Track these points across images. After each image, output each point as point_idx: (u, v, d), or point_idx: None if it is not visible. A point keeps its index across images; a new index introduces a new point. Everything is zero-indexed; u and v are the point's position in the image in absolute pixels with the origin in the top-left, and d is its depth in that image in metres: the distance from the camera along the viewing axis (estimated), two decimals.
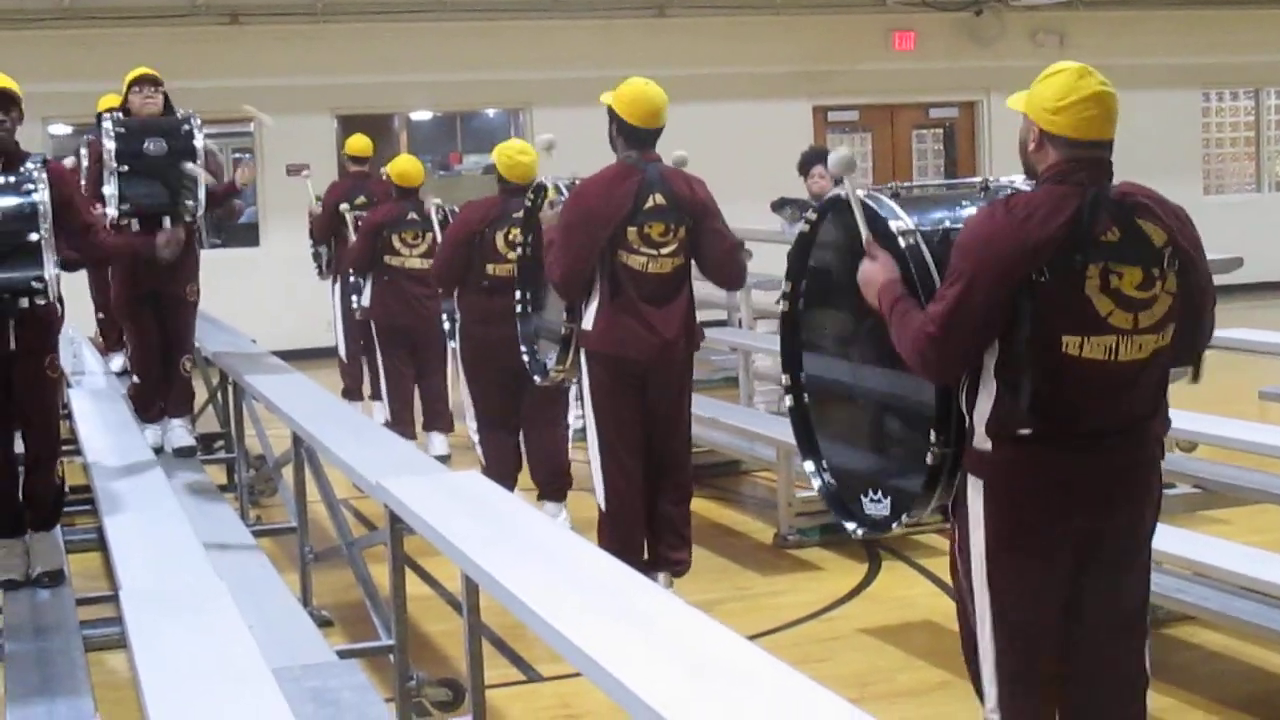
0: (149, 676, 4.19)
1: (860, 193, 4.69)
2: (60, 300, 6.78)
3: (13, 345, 6.77)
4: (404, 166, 11.15)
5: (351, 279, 11.72)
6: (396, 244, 10.78)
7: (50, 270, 6.55)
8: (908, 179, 19.41)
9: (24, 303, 6.63)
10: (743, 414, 9.96)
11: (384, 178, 11.67)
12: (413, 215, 10.83)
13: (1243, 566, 5.86)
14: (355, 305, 11.61)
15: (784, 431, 8.14)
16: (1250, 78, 21.62)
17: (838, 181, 4.73)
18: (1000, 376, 4.20)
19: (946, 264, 4.31)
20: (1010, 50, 19.61)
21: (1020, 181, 4.63)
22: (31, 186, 6.56)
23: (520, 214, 8.33)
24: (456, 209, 9.85)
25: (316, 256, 13.27)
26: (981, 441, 4.26)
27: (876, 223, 4.60)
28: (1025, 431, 4.18)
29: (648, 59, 16.53)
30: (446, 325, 9.54)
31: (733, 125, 18.22)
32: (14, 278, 6.56)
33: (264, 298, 16.50)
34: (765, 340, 10.88)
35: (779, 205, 12.03)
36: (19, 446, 7.12)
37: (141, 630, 4.61)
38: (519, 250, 8.21)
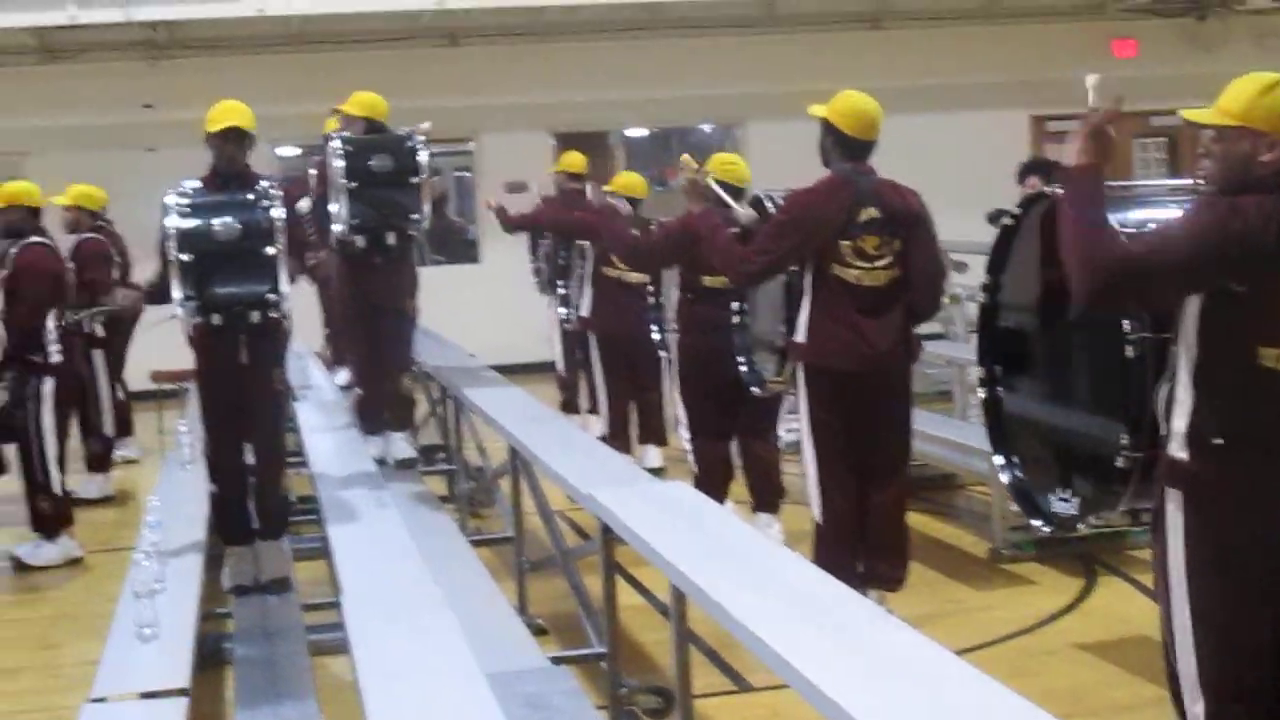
0: (369, 678, 4.33)
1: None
2: (287, 315, 6.99)
3: (244, 359, 7.03)
4: (627, 180, 11.30)
5: (567, 291, 11.89)
6: (614, 257, 10.88)
7: (284, 284, 6.77)
8: None
9: (255, 316, 6.88)
10: (957, 427, 9.91)
11: (603, 194, 11.79)
12: (633, 231, 10.91)
13: None
14: (564, 318, 11.78)
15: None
16: None
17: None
18: (1198, 385, 4.15)
19: None
20: (1236, 56, 19.05)
21: None
22: (269, 203, 6.82)
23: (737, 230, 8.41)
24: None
25: (537, 271, 13.48)
26: (1179, 450, 4.20)
27: None
28: (1221, 442, 4.12)
29: (861, 71, 16.43)
30: (657, 335, 9.59)
31: (948, 136, 18.08)
32: (249, 291, 6.81)
33: (484, 312, 16.74)
34: (967, 350, 10.81)
35: (995, 217, 11.91)
36: (249, 459, 7.38)
37: (362, 634, 4.76)
38: None
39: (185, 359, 13.29)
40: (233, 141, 7.05)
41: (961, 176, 16.52)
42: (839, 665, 3.65)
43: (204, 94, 16.06)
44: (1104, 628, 7.34)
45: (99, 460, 11.68)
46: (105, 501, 11.55)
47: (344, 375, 10.81)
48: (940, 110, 18.29)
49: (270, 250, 6.79)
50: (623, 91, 18.24)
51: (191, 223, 6.79)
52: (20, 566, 9.53)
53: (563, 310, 11.84)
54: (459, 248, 18.30)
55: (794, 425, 8.99)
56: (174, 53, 17.10)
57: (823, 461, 7.11)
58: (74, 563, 9.65)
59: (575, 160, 12.99)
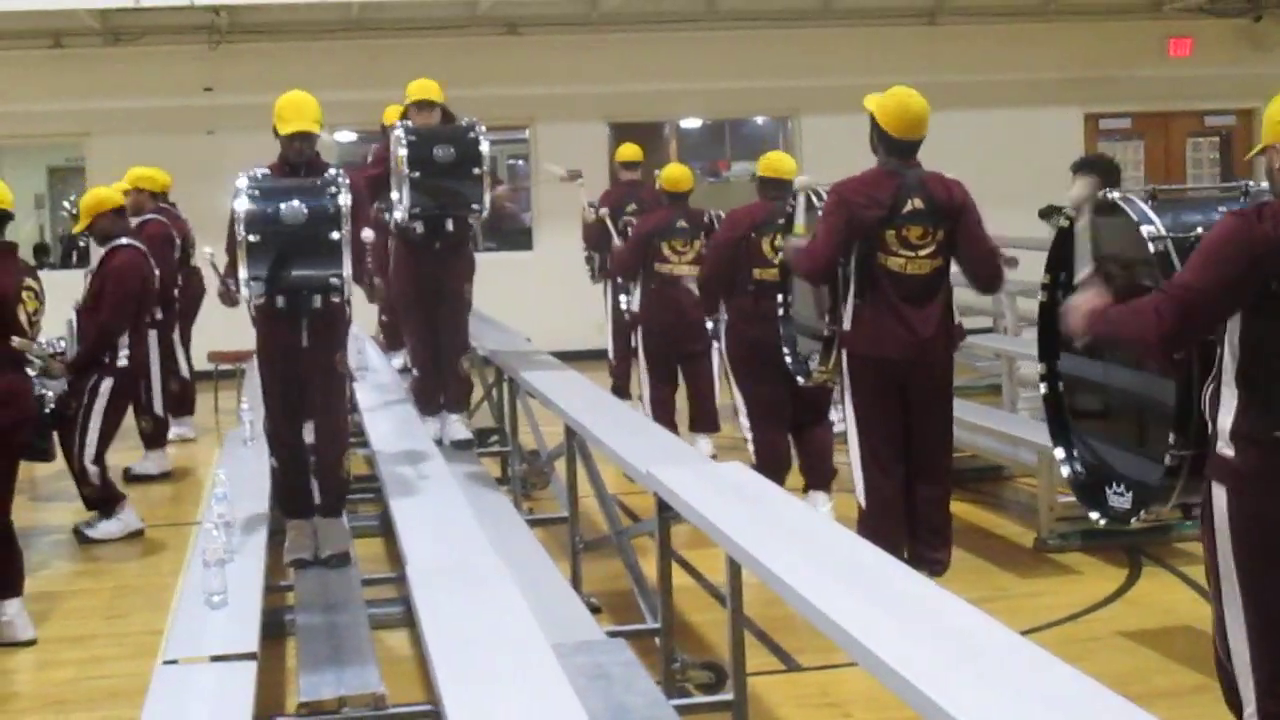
0: (436, 644, 4.45)
1: (1116, 195, 4.80)
2: (348, 300, 7.13)
3: (305, 341, 7.15)
4: (674, 173, 11.30)
5: (620, 282, 12.00)
6: (665, 251, 10.93)
7: (347, 269, 6.90)
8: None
9: (316, 300, 7.01)
10: (1006, 419, 9.98)
11: (656, 185, 11.89)
12: (682, 223, 10.98)
13: None
14: (625, 309, 11.89)
15: (1047, 437, 8.21)
16: None
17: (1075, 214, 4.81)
18: (1242, 384, 4.26)
19: None
20: None
21: None
22: (335, 190, 6.92)
23: (779, 218, 8.54)
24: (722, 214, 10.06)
25: (589, 260, 13.58)
26: (1224, 447, 4.32)
27: (1128, 227, 4.71)
28: (1268, 438, 4.23)
29: (917, 66, 16.62)
30: (710, 326, 9.70)
31: (1002, 132, 18.15)
32: (314, 274, 6.92)
33: (537, 299, 16.81)
34: (1030, 346, 10.88)
35: (1047, 213, 12.02)
36: (309, 437, 7.53)
37: (428, 603, 4.90)
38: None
39: (242, 341, 13.57)
40: (300, 139, 7.18)
41: (1015, 173, 16.62)
42: (897, 637, 3.75)
43: (264, 79, 16.38)
44: (1148, 617, 7.42)
45: (153, 438, 11.85)
46: (163, 478, 11.76)
47: (399, 359, 10.98)
48: (994, 106, 18.34)
49: (335, 235, 6.86)
50: (677, 82, 18.34)
51: (260, 206, 6.92)
52: (83, 539, 9.75)
53: (624, 298, 11.93)
54: (513, 235, 18.43)
55: (841, 415, 9.15)
56: (234, 37, 17.26)
57: (867, 446, 7.26)
58: (134, 536, 9.86)
59: (630, 151, 13.13)
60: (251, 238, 6.86)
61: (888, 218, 7.04)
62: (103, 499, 9.78)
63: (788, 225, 8.20)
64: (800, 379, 8.16)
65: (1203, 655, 6.50)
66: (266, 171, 7.14)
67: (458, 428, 9.20)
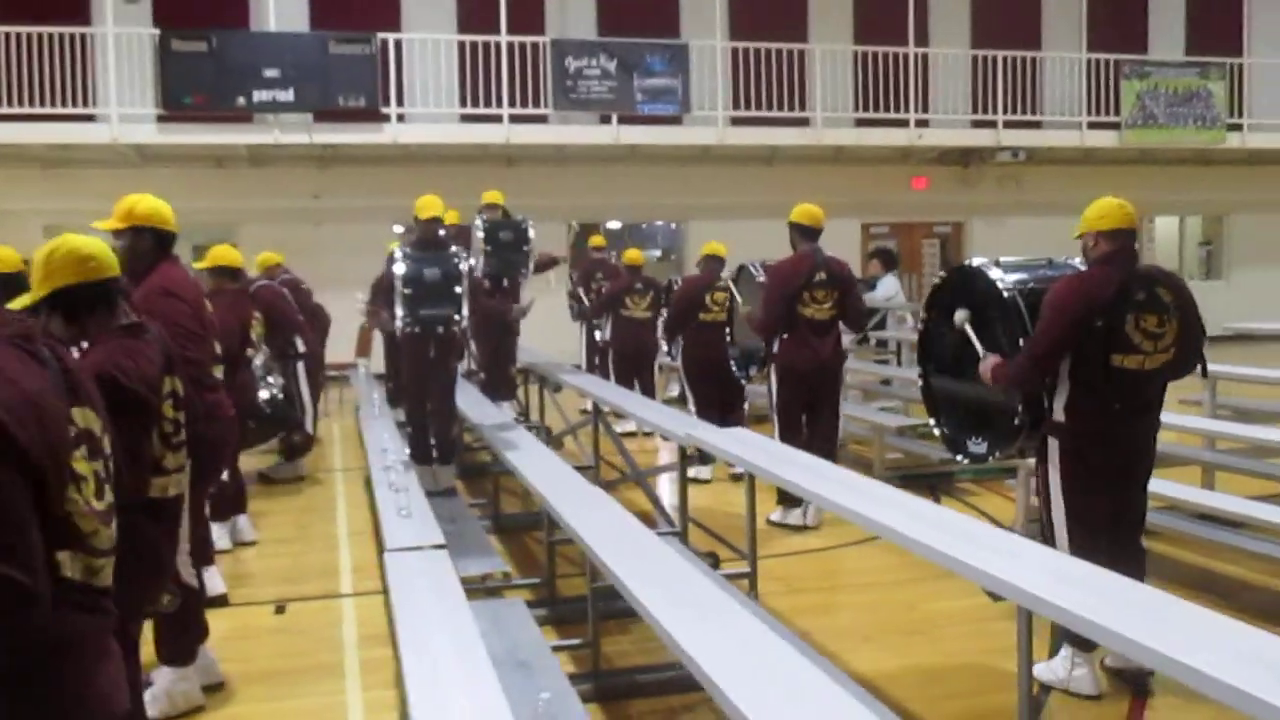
0: (589, 536, 4.49)
1: (977, 262, 5.00)
2: (463, 329, 7.19)
3: (433, 354, 7.24)
4: (633, 254, 11.56)
5: (597, 321, 12.15)
6: (628, 302, 11.15)
7: (465, 311, 6.99)
8: (918, 271, 19.70)
9: (441, 329, 7.08)
10: (848, 407, 10.17)
11: (613, 259, 12.06)
12: (638, 285, 11.19)
13: (1194, 499, 6.06)
14: (599, 339, 12.03)
15: (876, 417, 8.42)
16: (1139, 211, 21.50)
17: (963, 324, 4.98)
18: (1073, 377, 4.49)
19: (1031, 306, 4.61)
20: (986, 190, 19.65)
21: (1075, 260, 4.94)
22: (458, 260, 7.02)
23: (719, 281, 8.74)
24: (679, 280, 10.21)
25: (571, 307, 13.67)
26: (1059, 415, 4.55)
27: (986, 281, 4.89)
28: (1087, 409, 4.47)
29: (761, 191, 16.93)
30: (666, 347, 9.84)
31: None
32: (442, 313, 7.00)
33: (531, 332, 16.75)
34: (854, 363, 11.13)
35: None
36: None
37: (567, 511, 4.96)
38: (727, 304, 8.61)
39: (347, 355, 13.35)
40: (433, 223, 7.26)
41: None
42: (869, 506, 4.07)
43: (353, 190, 16.14)
44: None
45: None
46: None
47: (461, 365, 10.92)
48: None
49: (458, 289, 6.98)
50: (609, 198, 18.40)
51: (412, 269, 7.00)
52: (266, 480, 9.68)
53: (598, 332, 12.09)
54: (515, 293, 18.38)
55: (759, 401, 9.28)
56: (334, 164, 17.05)
57: (784, 421, 7.44)
58: (300, 479, 9.81)
59: (599, 240, 13.30)
60: (406, 290, 6.94)
61: (807, 284, 7.26)
62: (303, 445, 9.67)
63: (734, 286, 8.40)
64: (743, 380, 8.36)
65: None
66: (409, 249, 7.18)
67: (509, 410, 9.27)
